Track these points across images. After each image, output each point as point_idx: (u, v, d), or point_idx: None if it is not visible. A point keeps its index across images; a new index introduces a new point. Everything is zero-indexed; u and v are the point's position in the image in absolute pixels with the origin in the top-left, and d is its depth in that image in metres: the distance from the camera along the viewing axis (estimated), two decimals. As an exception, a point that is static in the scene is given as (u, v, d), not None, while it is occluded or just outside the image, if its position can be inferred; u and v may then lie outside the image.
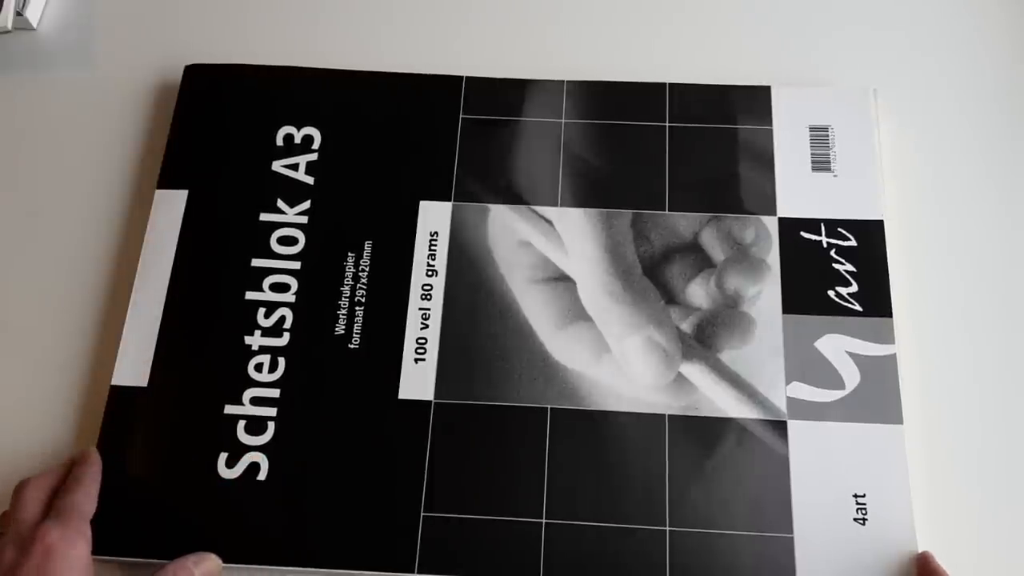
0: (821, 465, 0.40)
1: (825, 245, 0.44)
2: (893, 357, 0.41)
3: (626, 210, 0.45)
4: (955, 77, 0.48)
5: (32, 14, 0.50)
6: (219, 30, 0.50)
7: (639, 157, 0.46)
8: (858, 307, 0.42)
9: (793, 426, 0.40)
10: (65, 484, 0.38)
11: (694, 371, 0.42)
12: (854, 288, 0.43)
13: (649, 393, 0.41)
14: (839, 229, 0.44)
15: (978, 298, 0.44)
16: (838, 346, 0.42)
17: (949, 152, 0.47)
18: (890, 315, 0.42)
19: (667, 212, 0.45)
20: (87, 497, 0.38)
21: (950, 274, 0.44)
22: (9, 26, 0.49)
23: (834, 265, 0.43)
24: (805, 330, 0.42)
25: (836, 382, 0.41)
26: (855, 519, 0.39)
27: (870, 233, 0.43)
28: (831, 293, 0.43)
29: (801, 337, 0.42)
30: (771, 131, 0.46)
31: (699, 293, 0.43)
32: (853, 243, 0.43)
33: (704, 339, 0.42)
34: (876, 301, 0.42)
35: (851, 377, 0.41)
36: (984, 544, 0.40)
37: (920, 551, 0.38)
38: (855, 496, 0.39)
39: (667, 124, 0.46)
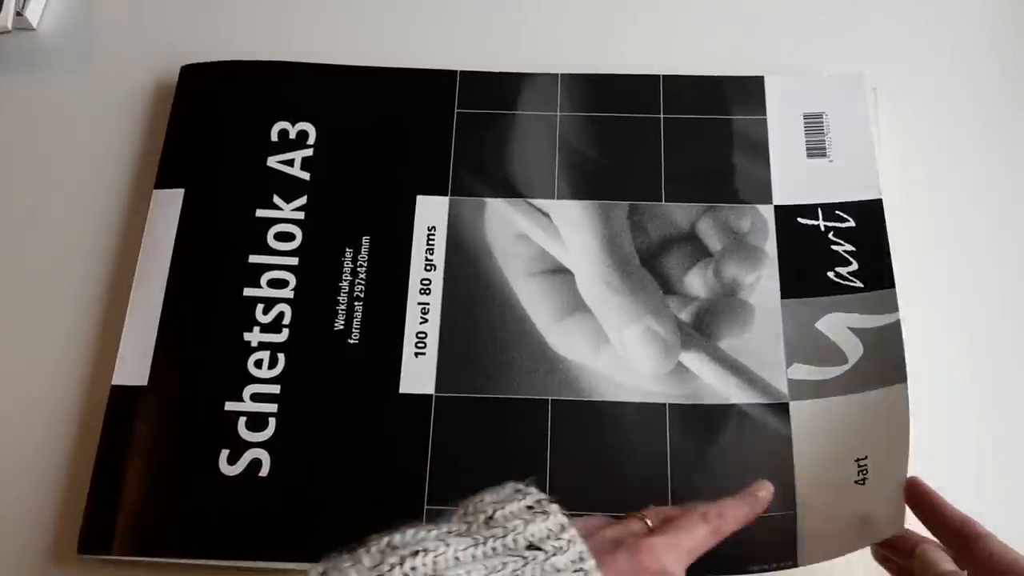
0: (824, 440, 0.40)
1: (823, 228, 0.43)
2: (897, 324, 0.41)
3: (622, 202, 0.45)
4: (948, 58, 0.49)
5: (32, 14, 0.50)
6: (218, 31, 0.51)
7: (634, 149, 0.46)
8: (859, 283, 0.42)
9: (795, 406, 0.40)
10: (701, 512, 0.33)
11: (694, 359, 0.42)
12: (854, 267, 0.42)
13: (649, 382, 0.41)
14: (837, 212, 0.44)
15: (975, 274, 0.44)
16: (840, 324, 0.41)
17: (944, 133, 0.47)
18: (892, 286, 0.42)
19: (663, 203, 0.45)
20: (706, 537, 0.33)
21: (950, 249, 0.45)
22: (9, 26, 0.49)
23: (833, 247, 0.43)
24: (805, 312, 0.42)
25: (838, 358, 0.41)
26: (856, 481, 0.38)
27: (869, 212, 0.43)
28: (831, 274, 0.42)
29: (801, 320, 0.42)
30: (765, 120, 0.46)
31: (697, 283, 0.43)
32: (852, 224, 0.43)
33: (703, 328, 0.42)
34: (877, 275, 0.42)
35: (853, 350, 0.41)
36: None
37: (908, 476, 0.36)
38: (856, 460, 0.39)
39: (662, 116, 0.46)
